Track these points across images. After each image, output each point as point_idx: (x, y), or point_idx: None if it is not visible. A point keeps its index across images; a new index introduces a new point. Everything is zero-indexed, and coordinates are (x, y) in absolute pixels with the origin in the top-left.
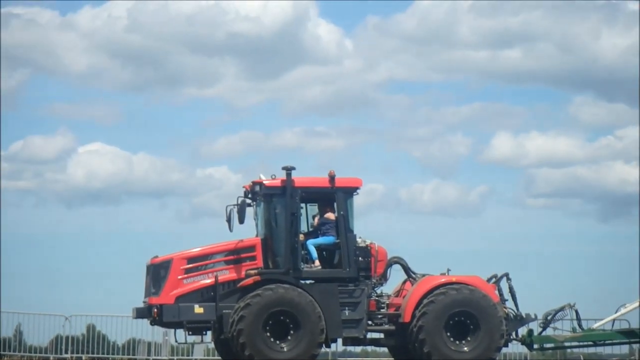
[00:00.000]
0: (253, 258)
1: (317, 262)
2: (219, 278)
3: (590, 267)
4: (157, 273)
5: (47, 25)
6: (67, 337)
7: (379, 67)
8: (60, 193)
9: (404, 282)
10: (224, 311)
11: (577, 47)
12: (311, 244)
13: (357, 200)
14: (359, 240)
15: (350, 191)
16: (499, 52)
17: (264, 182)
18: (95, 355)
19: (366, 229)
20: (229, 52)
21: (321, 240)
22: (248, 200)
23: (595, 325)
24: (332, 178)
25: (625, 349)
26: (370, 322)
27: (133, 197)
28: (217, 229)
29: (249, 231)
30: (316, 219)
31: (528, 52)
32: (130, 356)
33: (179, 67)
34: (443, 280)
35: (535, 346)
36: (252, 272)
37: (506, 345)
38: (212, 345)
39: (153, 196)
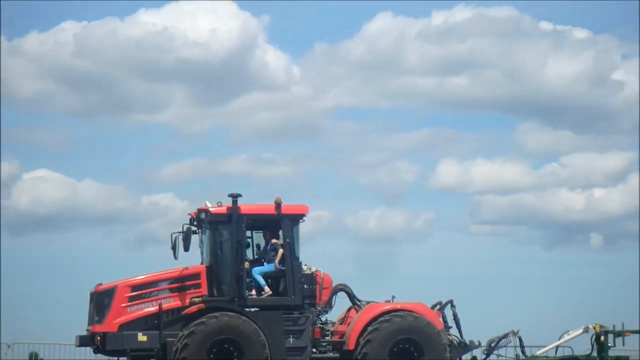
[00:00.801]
0: (198, 286)
1: (267, 289)
2: (163, 306)
3: (534, 294)
4: (101, 301)
5: None
6: None
7: (327, 94)
8: (4, 220)
9: (349, 309)
10: (167, 339)
11: (523, 74)
12: (257, 272)
13: (304, 227)
14: (304, 267)
15: (296, 218)
16: (447, 79)
17: (210, 209)
18: None
19: (312, 256)
20: (177, 78)
21: (266, 268)
22: (193, 228)
23: (539, 352)
24: (278, 205)
25: None
26: (314, 350)
27: (78, 224)
28: (163, 257)
29: (194, 259)
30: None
31: (475, 79)
32: None
33: (126, 93)
34: (387, 307)
35: None
36: (197, 299)
37: None
38: None
39: (99, 223)
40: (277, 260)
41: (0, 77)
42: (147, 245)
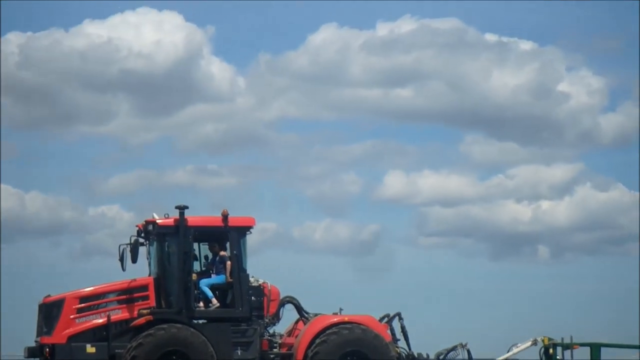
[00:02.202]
0: (146, 297)
1: (214, 301)
2: (112, 317)
3: (482, 306)
4: (50, 312)
5: None
6: None
7: (271, 105)
8: None
9: (297, 321)
10: (116, 351)
11: (468, 85)
12: (204, 284)
13: (250, 238)
14: (251, 279)
15: (243, 230)
16: (391, 91)
17: (157, 221)
18: None
19: (258, 268)
20: (122, 89)
21: (214, 280)
22: (141, 240)
23: None
24: (225, 217)
25: None
26: None
27: (25, 235)
28: (110, 268)
29: (141, 270)
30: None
31: (420, 91)
32: None
33: (71, 104)
34: (335, 319)
35: None
36: (145, 311)
37: None
38: None
39: (45, 234)
40: (227, 273)
41: None
42: (94, 257)
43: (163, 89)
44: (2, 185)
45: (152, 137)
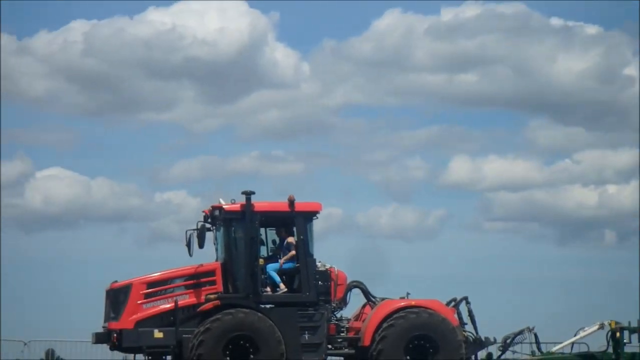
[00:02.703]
0: (213, 282)
1: (282, 286)
2: (179, 303)
3: (549, 290)
4: (117, 298)
5: (3, 49)
6: None
7: (335, 92)
8: (17, 218)
9: (364, 306)
10: (183, 336)
11: (533, 70)
12: (271, 269)
13: (315, 224)
14: (318, 264)
15: (309, 216)
16: (455, 76)
17: (224, 206)
18: None
19: (324, 253)
20: (185, 76)
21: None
22: (208, 225)
23: (555, 349)
24: (291, 202)
25: None
26: (330, 346)
27: (91, 222)
28: (177, 254)
29: (208, 256)
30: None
31: (484, 76)
32: None
33: (135, 92)
34: (402, 304)
35: None
36: (212, 296)
37: None
38: None
39: (111, 221)
40: (282, 260)
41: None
42: (160, 243)
43: (227, 76)
44: (68, 172)
45: (216, 124)
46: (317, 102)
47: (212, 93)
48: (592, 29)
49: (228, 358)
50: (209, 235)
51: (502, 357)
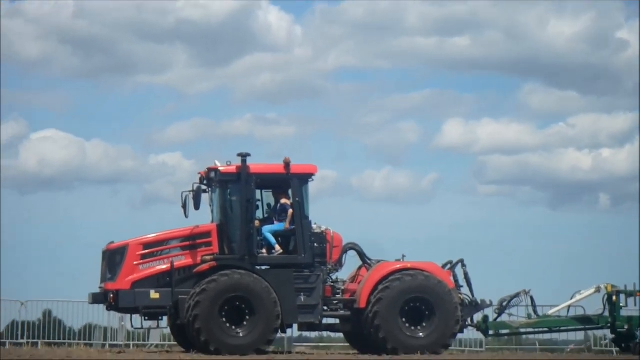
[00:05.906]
0: (209, 244)
1: (277, 247)
2: (175, 264)
3: (546, 254)
4: (113, 259)
5: None
6: (23, 323)
7: (328, 55)
8: (13, 179)
9: (359, 268)
10: (179, 297)
11: (525, 34)
12: (267, 230)
13: (311, 186)
14: (314, 226)
15: (305, 178)
16: (447, 40)
17: (220, 168)
18: (51, 341)
19: (319, 215)
20: (178, 39)
21: (277, 226)
22: (203, 187)
23: (551, 312)
24: (287, 165)
25: (580, 335)
26: (325, 308)
27: (85, 183)
28: (173, 215)
29: (204, 217)
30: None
31: (476, 39)
32: (87, 341)
33: (129, 54)
34: (398, 266)
35: (491, 332)
36: (208, 257)
37: (461, 332)
38: (168, 331)
39: (105, 182)
40: (287, 221)
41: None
42: (155, 204)
43: (220, 39)
44: (62, 134)
45: (210, 87)
46: (310, 66)
47: (205, 56)
48: None
49: (224, 319)
50: (205, 197)
51: (499, 319)
